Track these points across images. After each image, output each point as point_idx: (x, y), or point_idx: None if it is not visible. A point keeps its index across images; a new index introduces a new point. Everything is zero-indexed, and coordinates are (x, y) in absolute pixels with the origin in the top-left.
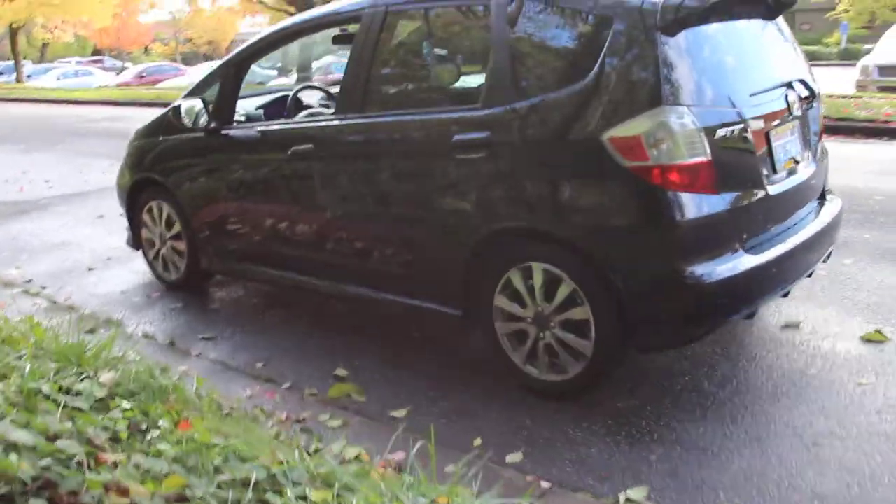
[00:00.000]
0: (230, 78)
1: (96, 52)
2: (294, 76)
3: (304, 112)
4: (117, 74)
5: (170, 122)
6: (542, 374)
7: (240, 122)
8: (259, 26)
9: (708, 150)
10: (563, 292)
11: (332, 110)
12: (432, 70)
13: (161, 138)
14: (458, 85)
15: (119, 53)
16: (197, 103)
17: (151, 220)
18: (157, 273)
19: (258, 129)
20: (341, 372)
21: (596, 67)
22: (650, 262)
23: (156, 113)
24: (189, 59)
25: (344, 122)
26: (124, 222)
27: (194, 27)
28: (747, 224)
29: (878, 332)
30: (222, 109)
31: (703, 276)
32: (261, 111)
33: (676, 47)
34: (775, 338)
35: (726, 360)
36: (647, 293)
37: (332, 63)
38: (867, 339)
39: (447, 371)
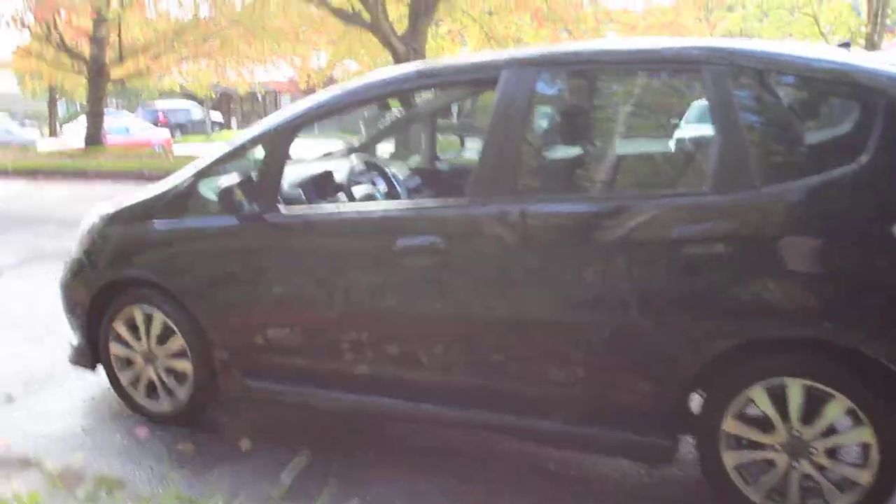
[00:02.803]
0: (281, 148)
1: None
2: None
3: (358, 192)
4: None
5: (176, 203)
6: None
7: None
8: None
9: None
10: (832, 412)
11: (382, 188)
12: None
13: (159, 226)
14: (645, 166)
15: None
16: (232, 181)
17: (130, 332)
18: (133, 402)
19: (333, 214)
20: None
21: (870, 148)
22: None
23: (138, 189)
24: None
25: (495, 209)
26: (66, 331)
27: None
28: None
29: None
30: (268, 189)
31: None
32: (299, 191)
33: None
34: None
35: None
36: None
37: None
38: None
39: None
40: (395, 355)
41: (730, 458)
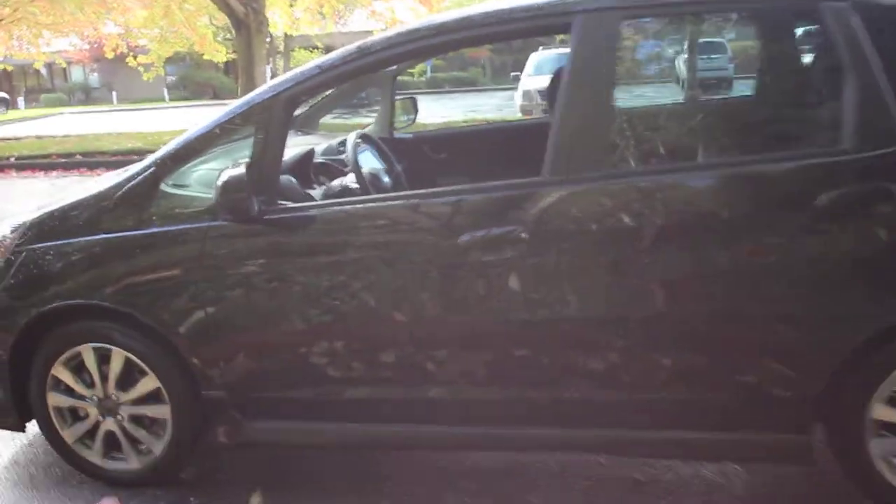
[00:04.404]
0: (278, 125)
1: None
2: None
3: (363, 174)
4: None
5: (131, 205)
6: None
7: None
8: None
9: None
10: None
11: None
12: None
13: (112, 236)
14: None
15: None
16: (238, 173)
17: (76, 377)
18: (86, 464)
19: (357, 207)
20: None
21: None
22: None
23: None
24: None
25: (596, 185)
26: None
27: None
28: None
29: None
30: (264, 180)
31: None
32: (289, 179)
33: None
34: None
35: None
36: None
37: None
38: None
39: None
40: (457, 372)
41: (876, 448)
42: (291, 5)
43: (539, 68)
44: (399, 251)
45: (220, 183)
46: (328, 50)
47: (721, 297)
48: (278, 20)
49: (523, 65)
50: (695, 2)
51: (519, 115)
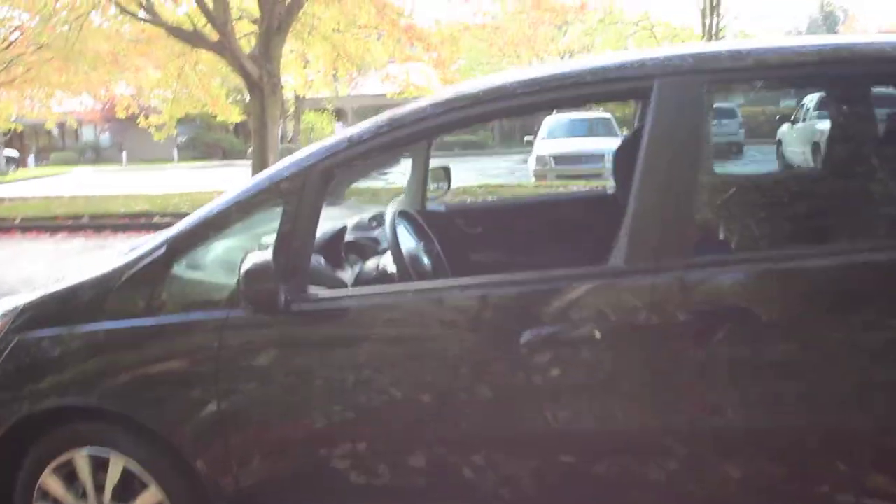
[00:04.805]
0: (310, 202)
1: None
2: None
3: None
4: None
5: (137, 291)
6: None
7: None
8: None
9: None
10: None
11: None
12: None
13: (114, 326)
14: None
15: None
16: (263, 260)
17: (68, 486)
18: None
19: (400, 296)
20: None
21: None
22: None
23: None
24: None
25: (684, 273)
26: None
27: None
28: None
29: None
30: (293, 264)
31: None
32: (319, 258)
33: None
34: None
35: None
36: None
37: None
38: None
39: None
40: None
41: None
42: (304, 67)
43: (553, 132)
44: (450, 347)
45: (243, 271)
46: (339, 112)
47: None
48: (292, 82)
49: (532, 128)
50: None
51: (533, 181)
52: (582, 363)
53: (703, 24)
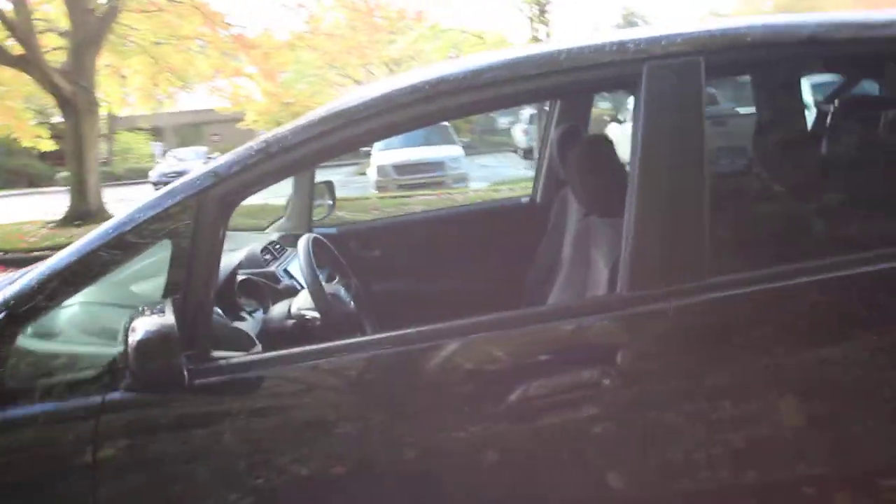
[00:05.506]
0: (209, 237)
1: None
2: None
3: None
4: None
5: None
6: None
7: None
8: None
9: None
10: None
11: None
12: None
13: None
14: None
15: None
16: (160, 326)
17: None
18: None
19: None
20: None
21: None
22: None
23: None
24: None
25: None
26: None
27: None
28: None
29: None
30: (198, 323)
31: None
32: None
33: None
34: None
35: None
36: None
37: None
38: None
39: None
40: None
41: None
42: (122, 84)
43: (390, 143)
44: (410, 406)
45: (134, 343)
46: (155, 131)
47: None
48: (108, 100)
49: None
50: None
51: (376, 193)
52: (588, 420)
53: (533, 31)
